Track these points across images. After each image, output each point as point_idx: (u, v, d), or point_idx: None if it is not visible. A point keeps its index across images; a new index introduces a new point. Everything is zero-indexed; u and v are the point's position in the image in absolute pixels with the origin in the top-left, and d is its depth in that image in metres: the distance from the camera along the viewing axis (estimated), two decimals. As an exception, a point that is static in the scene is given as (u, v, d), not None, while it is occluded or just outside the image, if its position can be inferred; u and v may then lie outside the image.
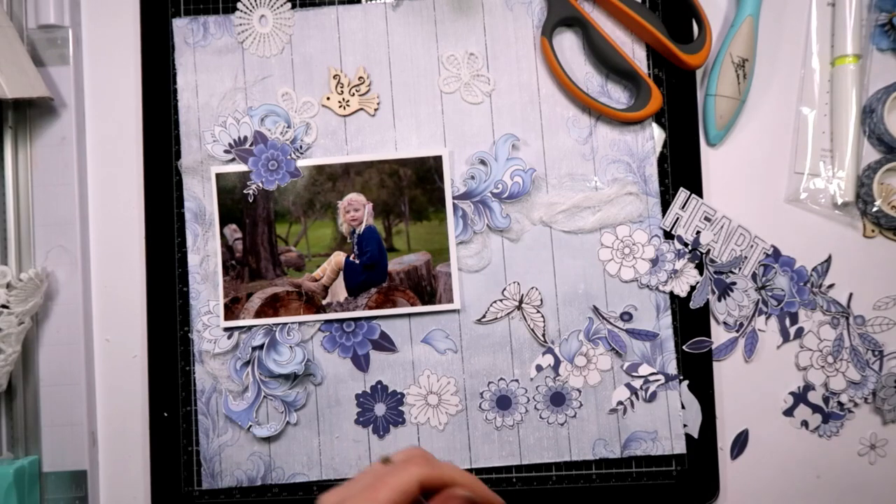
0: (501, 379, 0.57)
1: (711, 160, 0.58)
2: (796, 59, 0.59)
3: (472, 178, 0.56)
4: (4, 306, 0.53)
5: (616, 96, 0.57)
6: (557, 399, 0.56)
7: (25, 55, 0.55)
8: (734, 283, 0.57)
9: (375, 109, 0.57)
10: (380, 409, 0.57)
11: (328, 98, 0.57)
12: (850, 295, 0.58)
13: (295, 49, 0.58)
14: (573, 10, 0.56)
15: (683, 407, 0.56)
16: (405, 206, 0.56)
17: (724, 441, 0.58)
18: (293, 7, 0.58)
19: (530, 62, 0.57)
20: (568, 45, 0.58)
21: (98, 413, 0.58)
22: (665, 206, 0.57)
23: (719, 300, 0.57)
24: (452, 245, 0.56)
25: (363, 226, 0.56)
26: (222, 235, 0.56)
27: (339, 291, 0.56)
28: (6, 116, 0.56)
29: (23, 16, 0.57)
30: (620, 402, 0.56)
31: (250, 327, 0.56)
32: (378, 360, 0.57)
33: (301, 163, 0.56)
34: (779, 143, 0.59)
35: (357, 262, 0.56)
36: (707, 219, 0.57)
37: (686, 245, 0.57)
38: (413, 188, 0.56)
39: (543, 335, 0.56)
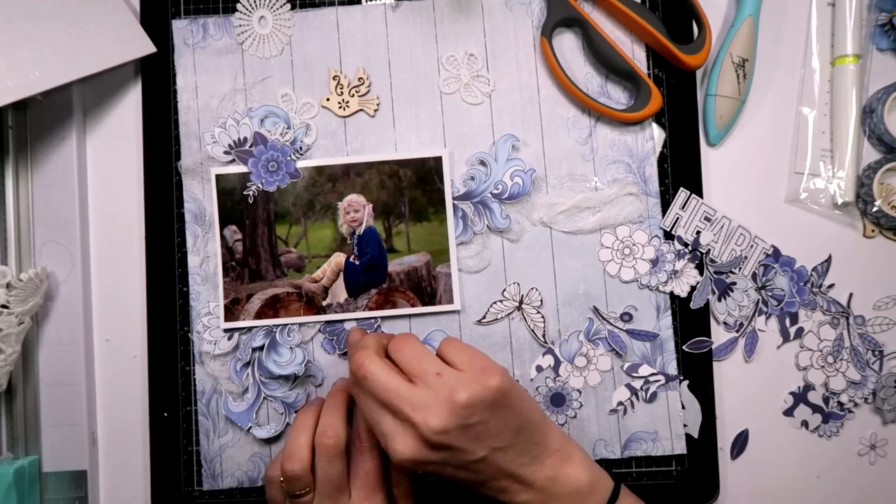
0: (501, 379, 0.57)
1: (711, 160, 0.58)
2: (796, 59, 0.59)
3: (472, 178, 0.56)
4: (4, 306, 0.52)
5: (616, 97, 0.57)
6: (557, 399, 0.56)
7: (124, 8, 0.55)
8: (734, 283, 0.57)
9: (375, 110, 0.57)
10: (380, 409, 0.57)
11: (328, 99, 0.57)
12: (850, 295, 0.58)
13: (294, 50, 0.57)
14: (573, 10, 0.56)
15: (683, 407, 0.56)
16: (405, 206, 0.56)
17: (724, 441, 0.58)
18: (293, 8, 0.58)
19: (530, 63, 0.57)
20: (568, 45, 0.58)
21: (98, 413, 0.58)
22: (665, 206, 0.57)
23: (719, 300, 0.57)
24: (452, 246, 0.56)
25: (363, 227, 0.56)
26: (222, 237, 0.56)
27: (340, 292, 0.56)
28: (6, 116, 0.56)
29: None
30: (621, 403, 0.56)
31: (250, 328, 0.56)
32: (378, 361, 0.57)
33: (301, 164, 0.56)
34: (779, 143, 0.58)
35: (357, 263, 0.56)
36: (707, 219, 0.57)
37: (686, 245, 0.57)
38: (413, 189, 0.56)
39: (543, 336, 0.56)
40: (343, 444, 0.49)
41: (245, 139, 0.56)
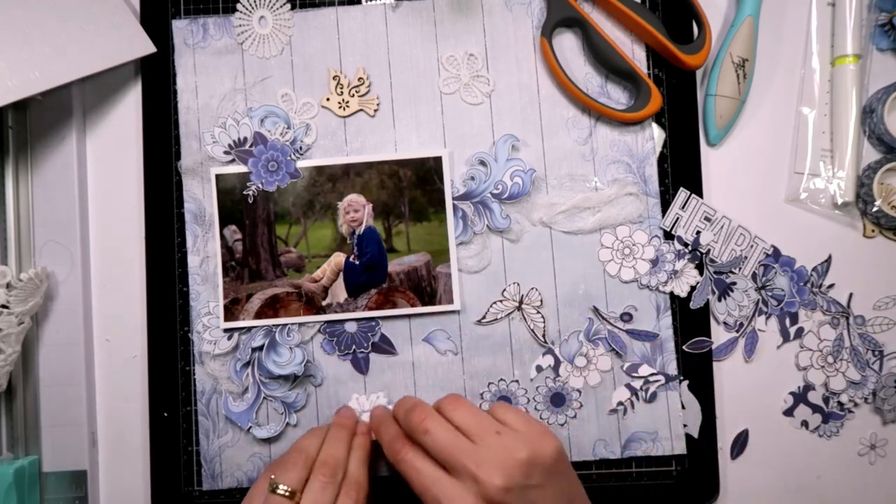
0: (501, 380, 0.57)
1: (711, 160, 0.58)
2: (796, 59, 0.59)
3: (472, 178, 0.56)
4: (4, 306, 0.52)
5: (616, 97, 0.57)
6: (557, 400, 0.57)
7: (124, 8, 0.56)
8: (734, 283, 0.57)
9: (375, 110, 0.57)
10: (380, 409, 0.57)
11: (328, 99, 0.57)
12: (850, 295, 0.58)
13: (294, 50, 0.57)
14: (573, 10, 0.56)
15: (683, 407, 0.56)
16: (405, 206, 0.56)
17: (724, 441, 0.58)
18: (293, 8, 0.58)
19: (530, 63, 0.57)
20: (568, 45, 0.58)
21: (98, 413, 0.58)
22: (665, 206, 0.57)
23: (719, 300, 0.57)
24: (452, 246, 0.56)
25: (363, 227, 0.56)
26: (222, 237, 0.56)
27: (339, 292, 0.56)
28: (6, 116, 0.56)
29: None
30: (620, 403, 0.56)
31: (250, 328, 0.56)
32: (378, 362, 0.57)
33: (301, 164, 0.56)
34: (779, 143, 0.59)
35: (357, 262, 0.56)
36: (707, 219, 0.57)
37: (686, 245, 0.57)
38: (413, 189, 0.56)
39: (543, 336, 0.56)
40: (340, 476, 0.49)
41: (245, 139, 0.56)
